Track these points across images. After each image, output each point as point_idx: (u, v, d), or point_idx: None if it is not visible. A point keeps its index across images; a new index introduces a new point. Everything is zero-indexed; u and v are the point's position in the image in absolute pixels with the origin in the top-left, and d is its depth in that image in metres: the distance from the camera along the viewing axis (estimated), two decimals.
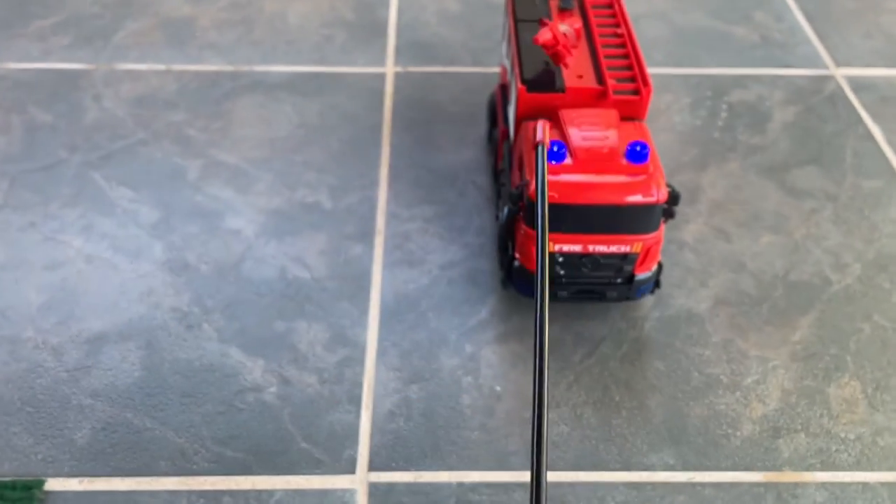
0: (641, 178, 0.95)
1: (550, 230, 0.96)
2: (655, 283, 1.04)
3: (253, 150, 1.35)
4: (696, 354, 1.05)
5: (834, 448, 0.95)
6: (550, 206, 0.94)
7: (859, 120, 1.44)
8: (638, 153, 0.95)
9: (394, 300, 1.11)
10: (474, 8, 1.71)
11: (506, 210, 1.00)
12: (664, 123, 1.42)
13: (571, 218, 0.95)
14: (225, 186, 1.28)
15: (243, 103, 1.45)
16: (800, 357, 1.05)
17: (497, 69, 1.53)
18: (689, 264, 1.17)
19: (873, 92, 1.50)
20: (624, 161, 0.96)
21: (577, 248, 0.98)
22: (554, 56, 1.08)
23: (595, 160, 0.96)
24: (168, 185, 1.28)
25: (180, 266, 1.15)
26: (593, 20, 1.16)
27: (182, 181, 1.29)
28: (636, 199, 0.94)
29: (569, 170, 0.95)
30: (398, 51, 1.59)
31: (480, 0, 1.74)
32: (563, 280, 1.01)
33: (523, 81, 1.04)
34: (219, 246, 1.18)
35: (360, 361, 1.04)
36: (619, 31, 1.15)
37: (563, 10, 1.20)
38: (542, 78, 1.05)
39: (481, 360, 1.04)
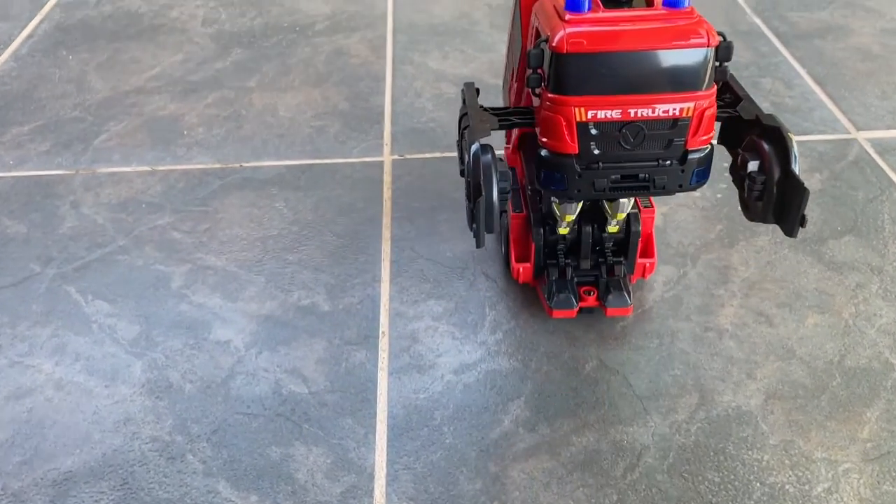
0: (689, 21, 0.79)
1: (579, 93, 0.80)
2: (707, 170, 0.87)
3: (243, 252, 1.25)
4: (754, 460, 0.91)
5: None
6: (576, 57, 0.78)
7: (892, 184, 1.34)
8: None
9: (403, 413, 0.98)
10: None
11: (529, 78, 0.83)
12: (683, 199, 1.33)
13: (604, 73, 0.79)
14: (212, 293, 1.17)
15: (232, 201, 1.36)
16: (872, 457, 0.91)
17: (500, 152, 1.44)
18: (732, 353, 1.05)
19: None
20: (659, 7, 0.81)
21: (614, 113, 0.80)
22: None
23: (626, 8, 0.81)
24: (150, 295, 1.16)
25: (162, 387, 1.02)
26: None
27: (165, 290, 1.17)
28: (683, 42, 0.78)
29: (595, 18, 0.80)
30: (395, 138, 1.51)
31: (476, 81, 1.67)
32: (601, 163, 0.83)
33: None
34: (205, 361, 1.06)
35: (368, 491, 0.90)
36: None
37: None
38: None
39: (508, 483, 0.90)
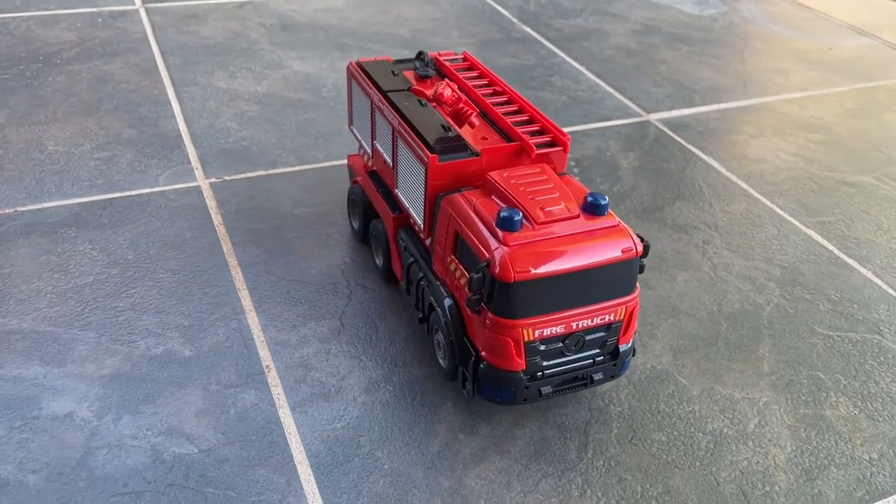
0: (615, 231, 0.81)
1: (526, 315, 0.79)
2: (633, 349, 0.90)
3: (53, 307, 1.00)
4: (688, 413, 0.92)
5: (868, 473, 0.86)
6: (524, 284, 0.77)
7: (693, 155, 1.47)
8: (598, 205, 0.82)
9: (324, 448, 0.84)
10: (274, 107, 1.52)
11: (471, 300, 0.79)
12: None
13: (549, 293, 0.79)
14: (27, 361, 0.92)
15: (20, 252, 1.09)
16: (780, 387, 0.96)
17: (343, 161, 1.34)
18: None
19: (689, 129, 1.56)
20: (582, 216, 0.82)
21: (559, 329, 0.80)
22: (455, 115, 0.94)
23: (556, 221, 0.80)
24: None
25: None
26: (466, 83, 1.04)
27: None
28: (618, 256, 0.80)
29: (534, 238, 0.79)
30: (204, 161, 1.34)
31: (278, 99, 1.55)
32: (545, 373, 0.82)
33: (432, 150, 0.87)
34: (46, 443, 0.82)
35: None
36: (497, 89, 1.04)
37: (423, 79, 1.06)
38: (450, 144, 0.89)
39: (467, 493, 0.80)
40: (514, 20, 2.03)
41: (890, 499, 0.83)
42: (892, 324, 1.08)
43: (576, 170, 1.40)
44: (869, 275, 1.17)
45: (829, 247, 1.23)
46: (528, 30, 1.98)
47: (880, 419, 0.93)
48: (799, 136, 1.56)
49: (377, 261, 1.08)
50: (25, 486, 0.77)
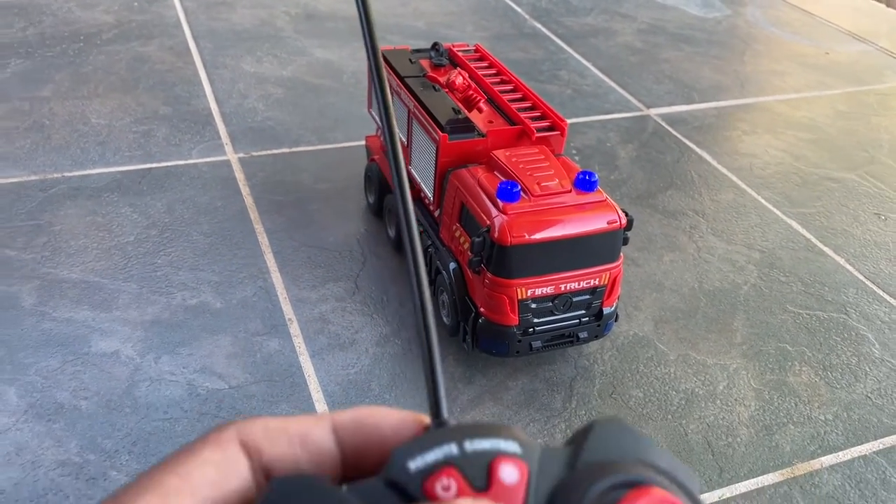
0: (602, 205, 0.92)
1: (520, 275, 0.90)
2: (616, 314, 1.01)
3: (99, 261, 1.12)
4: (664, 374, 1.02)
5: (822, 431, 0.96)
6: (519, 248, 0.88)
7: (687, 148, 1.57)
8: (588, 182, 0.92)
9: (339, 390, 0.95)
10: (298, 91, 1.63)
11: (472, 261, 0.91)
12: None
13: (541, 257, 0.89)
14: (77, 306, 1.03)
15: (67, 212, 1.21)
16: (750, 356, 1.07)
17: (360, 142, 1.45)
18: None
19: (686, 124, 1.66)
20: (574, 191, 0.92)
21: (549, 289, 0.91)
22: (465, 100, 1.04)
23: (550, 195, 0.91)
24: (1, 317, 1.00)
25: (51, 409, 0.88)
26: (477, 72, 1.15)
27: (17, 310, 1.01)
28: (604, 227, 0.91)
29: (529, 208, 0.89)
30: (234, 137, 1.45)
31: (301, 83, 1.66)
32: (535, 329, 0.93)
33: (443, 130, 0.98)
34: (96, 375, 0.93)
35: None
36: (503, 78, 1.14)
37: (438, 67, 1.17)
38: (459, 125, 1.00)
39: None
40: (526, 17, 2.13)
41: (839, 453, 0.94)
42: (859, 305, 1.18)
43: (577, 158, 1.50)
44: (842, 262, 1.27)
45: (808, 235, 1.33)
46: (539, 26, 2.08)
47: (838, 386, 1.03)
48: (790, 134, 1.66)
49: (390, 232, 1.19)
50: (79, 410, 0.89)
